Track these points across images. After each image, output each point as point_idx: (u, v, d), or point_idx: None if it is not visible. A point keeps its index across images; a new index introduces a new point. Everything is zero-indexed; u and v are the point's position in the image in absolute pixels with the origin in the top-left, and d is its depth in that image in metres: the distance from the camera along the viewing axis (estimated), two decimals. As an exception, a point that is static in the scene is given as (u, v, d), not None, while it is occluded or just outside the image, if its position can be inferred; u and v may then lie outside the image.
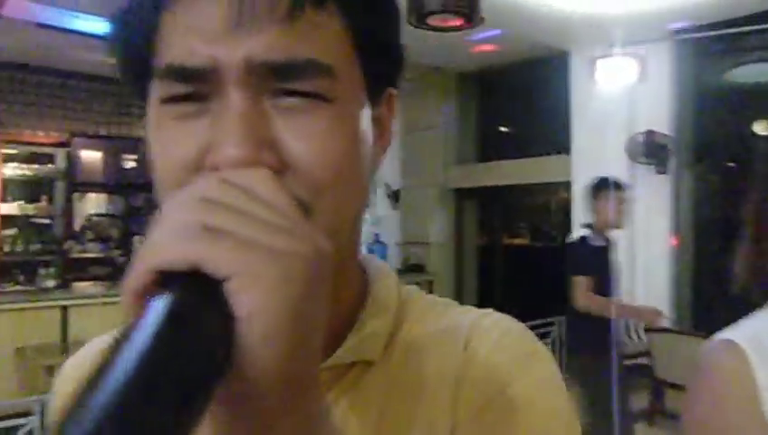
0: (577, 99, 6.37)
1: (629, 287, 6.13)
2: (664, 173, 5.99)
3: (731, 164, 6.82)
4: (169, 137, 0.46)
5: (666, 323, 5.76)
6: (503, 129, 8.05)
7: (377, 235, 7.92)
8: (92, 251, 6.91)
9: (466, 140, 7.94)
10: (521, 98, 7.05)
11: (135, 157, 6.96)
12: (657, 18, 5.39)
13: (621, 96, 5.83)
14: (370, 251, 7.90)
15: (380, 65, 0.52)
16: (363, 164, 0.50)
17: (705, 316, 6.18)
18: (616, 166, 6.15)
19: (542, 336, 3.33)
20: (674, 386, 5.03)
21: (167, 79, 0.45)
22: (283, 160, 0.44)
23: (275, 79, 0.44)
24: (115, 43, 0.49)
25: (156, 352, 0.28)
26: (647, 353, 5.22)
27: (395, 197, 8.21)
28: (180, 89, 0.45)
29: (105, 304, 5.32)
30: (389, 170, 8.14)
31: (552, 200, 7.75)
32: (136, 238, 7.21)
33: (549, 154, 6.81)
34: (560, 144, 6.51)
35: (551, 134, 6.43)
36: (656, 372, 5.10)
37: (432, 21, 3.86)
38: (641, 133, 5.91)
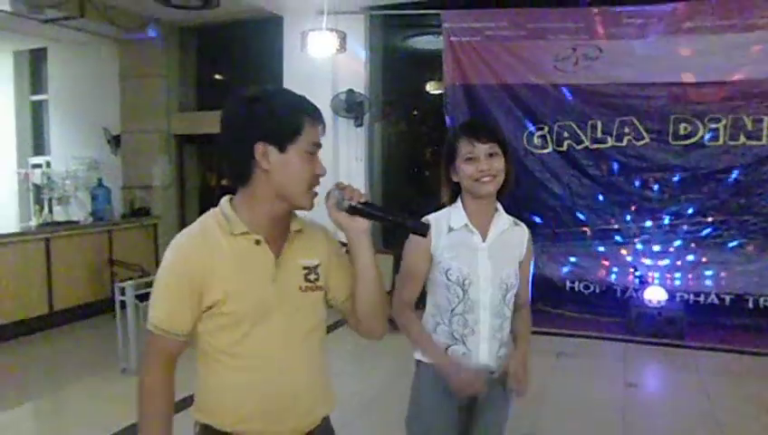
0: (289, 59, 7.12)
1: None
2: (361, 126, 7.11)
3: (412, 116, 8.31)
4: (303, 165, 1.42)
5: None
6: (221, 79, 8.56)
7: (100, 179, 7.96)
8: None
9: (188, 89, 8.31)
10: (238, 53, 7.58)
11: None
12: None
13: (327, 61, 6.76)
14: (94, 196, 7.92)
15: None
16: None
17: (391, 238, 7.43)
18: (323, 119, 7.14)
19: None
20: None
21: (310, 145, 1.42)
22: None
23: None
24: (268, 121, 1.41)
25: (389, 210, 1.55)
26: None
27: (116, 142, 8.29)
28: (312, 149, 1.43)
29: None
30: (109, 116, 8.20)
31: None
32: None
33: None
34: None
35: (265, 88, 7.05)
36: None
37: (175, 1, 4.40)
38: (343, 92, 6.95)
